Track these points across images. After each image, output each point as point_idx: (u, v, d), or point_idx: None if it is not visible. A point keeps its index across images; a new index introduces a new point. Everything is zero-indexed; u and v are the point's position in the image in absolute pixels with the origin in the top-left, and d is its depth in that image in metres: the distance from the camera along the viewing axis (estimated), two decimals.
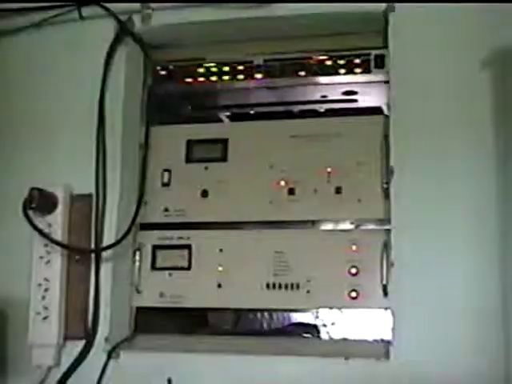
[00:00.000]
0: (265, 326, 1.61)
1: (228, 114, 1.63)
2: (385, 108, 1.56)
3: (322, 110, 1.60)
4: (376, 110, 1.57)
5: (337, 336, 1.36)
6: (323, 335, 1.38)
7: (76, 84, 1.44)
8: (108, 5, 1.42)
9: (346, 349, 1.30)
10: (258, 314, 1.61)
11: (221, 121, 1.65)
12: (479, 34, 1.29)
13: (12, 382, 1.36)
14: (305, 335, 1.48)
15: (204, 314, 1.58)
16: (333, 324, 1.46)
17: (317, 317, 1.45)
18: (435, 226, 1.26)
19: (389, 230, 1.30)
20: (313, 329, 1.51)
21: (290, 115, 1.59)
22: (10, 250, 1.41)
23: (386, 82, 1.41)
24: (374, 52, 1.42)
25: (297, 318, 1.54)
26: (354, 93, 1.52)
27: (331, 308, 1.37)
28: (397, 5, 1.33)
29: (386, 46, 1.38)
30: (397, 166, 1.29)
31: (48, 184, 1.36)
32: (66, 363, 1.34)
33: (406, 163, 1.29)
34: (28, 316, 1.35)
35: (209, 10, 1.40)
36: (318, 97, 1.54)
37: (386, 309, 1.31)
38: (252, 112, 1.60)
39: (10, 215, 1.38)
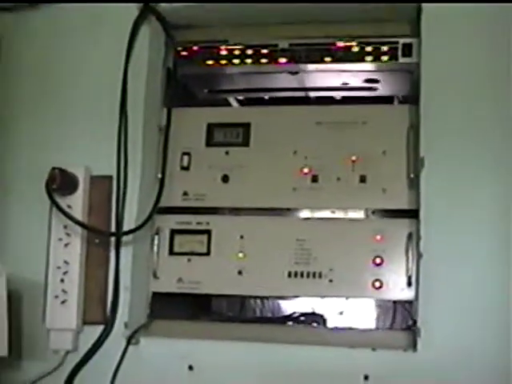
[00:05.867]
0: (275, 313, 1.61)
1: (247, 97, 1.62)
2: (400, 97, 1.56)
3: (339, 98, 1.60)
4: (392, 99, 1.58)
5: (362, 326, 1.36)
6: (350, 324, 1.38)
7: (98, 64, 1.40)
8: None
9: (372, 339, 1.29)
10: (271, 302, 1.61)
11: (242, 104, 1.63)
12: None
13: (28, 367, 1.33)
14: (313, 324, 1.48)
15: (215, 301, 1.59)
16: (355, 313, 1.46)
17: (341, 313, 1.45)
18: (464, 217, 1.25)
19: (413, 221, 1.30)
20: (319, 318, 1.51)
21: (310, 101, 1.59)
22: (27, 230, 1.37)
23: (410, 72, 1.40)
24: (401, 40, 1.40)
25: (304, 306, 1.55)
26: (375, 81, 1.51)
27: (354, 298, 1.36)
28: None
29: (414, 35, 1.37)
30: (426, 157, 1.28)
31: (69, 165, 1.32)
32: (83, 348, 1.32)
33: (435, 154, 1.28)
34: (44, 299, 1.32)
35: None
36: (339, 83, 1.53)
37: (409, 300, 1.30)
38: (272, 96, 1.59)
39: (28, 196, 1.35)
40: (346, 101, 1.59)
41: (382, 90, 1.55)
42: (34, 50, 1.43)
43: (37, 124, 1.40)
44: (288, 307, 1.60)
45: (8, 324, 1.21)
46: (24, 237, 1.37)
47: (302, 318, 1.51)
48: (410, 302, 1.33)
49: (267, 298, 1.54)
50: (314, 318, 1.50)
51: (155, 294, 1.42)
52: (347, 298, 1.40)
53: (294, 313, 1.54)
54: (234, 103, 1.66)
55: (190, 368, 1.29)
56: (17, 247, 1.37)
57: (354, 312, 1.52)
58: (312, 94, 1.60)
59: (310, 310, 1.51)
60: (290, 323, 1.50)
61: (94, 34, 1.40)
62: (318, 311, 1.51)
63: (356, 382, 1.23)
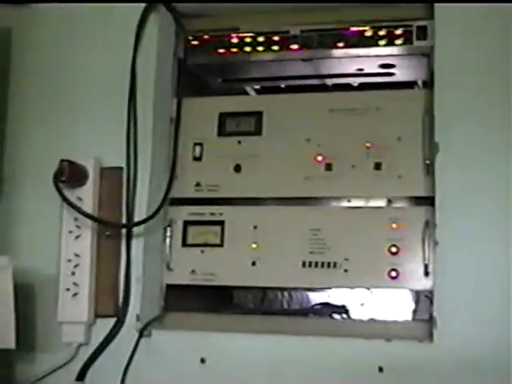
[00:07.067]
0: (294, 305, 1.58)
1: (262, 86, 1.59)
2: (420, 83, 1.52)
3: (356, 85, 1.57)
4: (412, 85, 1.53)
5: (377, 317, 1.32)
6: (365, 316, 1.35)
7: (107, 54, 1.39)
8: None
9: (387, 330, 1.25)
10: (285, 294, 1.58)
11: (255, 93, 1.61)
12: None
13: (40, 359, 1.33)
14: (334, 316, 1.45)
15: (230, 293, 1.57)
16: (371, 304, 1.43)
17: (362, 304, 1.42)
18: (479, 203, 1.21)
19: (430, 208, 1.26)
20: (341, 309, 1.47)
21: (325, 88, 1.56)
22: (38, 224, 1.37)
23: (426, 55, 1.36)
24: (416, 23, 1.36)
25: (324, 298, 1.51)
26: (391, 66, 1.47)
27: (370, 288, 1.33)
28: None
29: (428, 17, 1.33)
30: (441, 142, 1.24)
31: (78, 157, 1.32)
32: (96, 341, 1.31)
33: (450, 139, 1.24)
34: (56, 292, 1.31)
35: None
36: (353, 70, 1.49)
37: (427, 289, 1.27)
38: (287, 84, 1.56)
39: (38, 188, 1.35)
40: (363, 87, 1.56)
41: (400, 75, 1.51)
42: (43, 42, 1.43)
43: (46, 116, 1.40)
44: (310, 299, 1.57)
45: (16, 316, 1.20)
46: (37, 230, 1.37)
47: (324, 310, 1.48)
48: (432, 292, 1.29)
49: (281, 289, 1.51)
50: (337, 310, 1.47)
51: (171, 287, 1.40)
52: (368, 288, 1.36)
53: (316, 304, 1.51)
54: (252, 92, 1.63)
55: (202, 361, 1.27)
56: (30, 240, 1.37)
57: (376, 303, 1.48)
58: (328, 82, 1.57)
59: (332, 302, 1.48)
60: (310, 315, 1.46)
61: (102, 24, 1.39)
62: (340, 302, 1.47)
63: (371, 373, 1.20)
